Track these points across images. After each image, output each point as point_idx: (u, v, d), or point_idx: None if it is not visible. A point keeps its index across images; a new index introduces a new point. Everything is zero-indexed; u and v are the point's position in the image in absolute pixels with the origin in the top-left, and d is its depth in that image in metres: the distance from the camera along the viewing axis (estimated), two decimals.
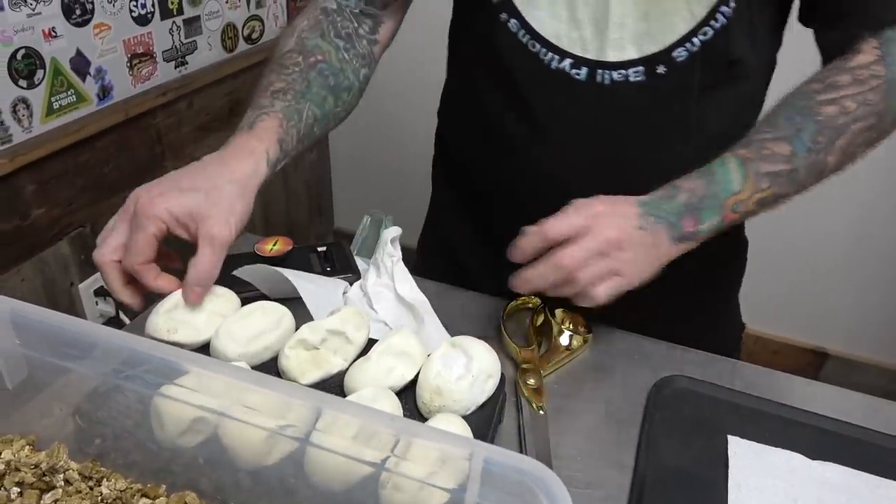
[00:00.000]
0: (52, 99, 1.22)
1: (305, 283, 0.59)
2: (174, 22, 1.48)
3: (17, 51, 1.14)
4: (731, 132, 0.61)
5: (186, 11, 1.51)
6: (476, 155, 0.72)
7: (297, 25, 0.69)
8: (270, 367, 0.51)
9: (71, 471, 0.44)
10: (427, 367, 0.50)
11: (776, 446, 0.53)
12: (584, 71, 0.61)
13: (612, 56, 0.61)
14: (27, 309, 0.43)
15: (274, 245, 0.68)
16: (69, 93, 1.26)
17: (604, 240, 0.53)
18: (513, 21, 0.62)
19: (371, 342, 0.53)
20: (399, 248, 0.66)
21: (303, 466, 0.42)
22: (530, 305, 0.65)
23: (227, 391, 0.42)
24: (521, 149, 0.67)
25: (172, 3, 1.46)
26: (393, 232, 0.66)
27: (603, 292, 0.53)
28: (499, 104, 0.67)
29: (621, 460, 0.51)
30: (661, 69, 0.61)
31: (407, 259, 0.66)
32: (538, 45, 0.62)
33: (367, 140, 2.15)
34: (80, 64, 1.27)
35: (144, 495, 0.43)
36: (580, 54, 0.61)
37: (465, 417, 0.48)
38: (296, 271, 0.60)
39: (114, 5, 1.31)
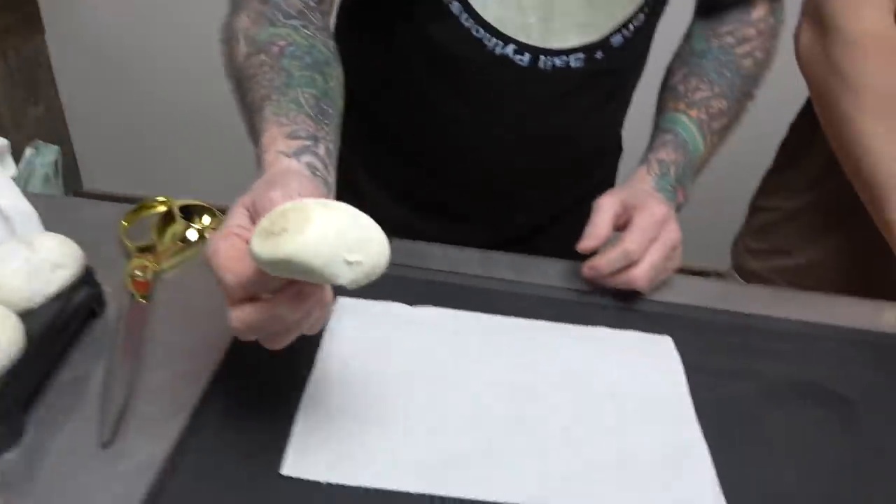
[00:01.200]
0: None
1: None
2: None
3: None
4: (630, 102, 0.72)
5: None
6: (406, 128, 0.72)
7: (237, 28, 0.56)
8: None
9: None
10: None
11: (382, 300, 0.58)
12: (527, 57, 0.63)
13: (556, 44, 0.62)
14: None
15: None
16: None
17: (670, 241, 0.58)
18: (455, 4, 0.60)
19: None
20: (11, 162, 0.61)
21: None
22: (159, 208, 0.64)
23: None
24: (458, 128, 0.68)
25: None
26: None
27: (668, 270, 0.60)
28: (435, 85, 0.67)
29: (222, 334, 0.52)
30: (599, 55, 0.64)
31: None
32: (482, 31, 0.62)
33: (106, 97, 1.99)
34: None
35: None
36: (524, 41, 0.62)
37: (34, 310, 0.46)
38: None
39: None
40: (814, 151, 0.83)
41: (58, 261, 0.48)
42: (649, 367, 0.55)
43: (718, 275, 1.07)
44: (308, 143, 0.47)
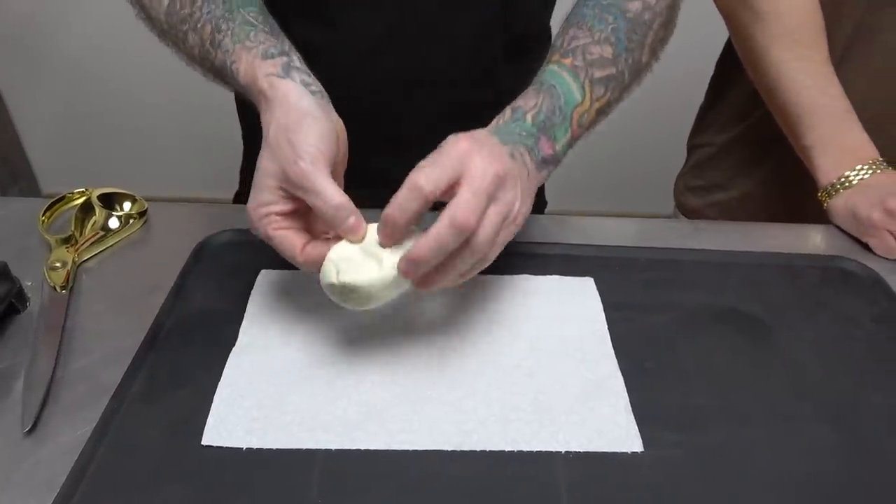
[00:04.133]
0: None
1: None
2: None
3: None
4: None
5: None
6: None
7: None
8: None
9: None
10: None
11: None
12: None
13: None
14: None
15: None
16: None
17: (490, 179, 0.43)
18: None
19: None
20: None
21: None
22: (78, 200, 0.64)
23: None
24: (327, 59, 0.63)
25: None
26: None
27: (499, 249, 0.46)
28: (295, 18, 0.63)
29: (146, 317, 0.53)
30: None
31: None
32: None
33: (52, 100, 1.96)
34: None
35: None
36: None
37: None
38: None
39: None
40: (739, 83, 0.84)
41: None
42: (569, 308, 0.56)
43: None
44: (285, 58, 0.49)
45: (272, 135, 0.46)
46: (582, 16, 0.56)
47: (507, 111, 0.51)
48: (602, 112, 0.54)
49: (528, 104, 0.51)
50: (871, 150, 0.68)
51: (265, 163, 0.46)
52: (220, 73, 0.52)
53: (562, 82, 0.52)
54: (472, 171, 0.43)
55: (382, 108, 0.69)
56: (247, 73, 0.49)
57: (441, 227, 0.42)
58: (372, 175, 0.75)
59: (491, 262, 0.46)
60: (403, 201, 0.43)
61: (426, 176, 0.43)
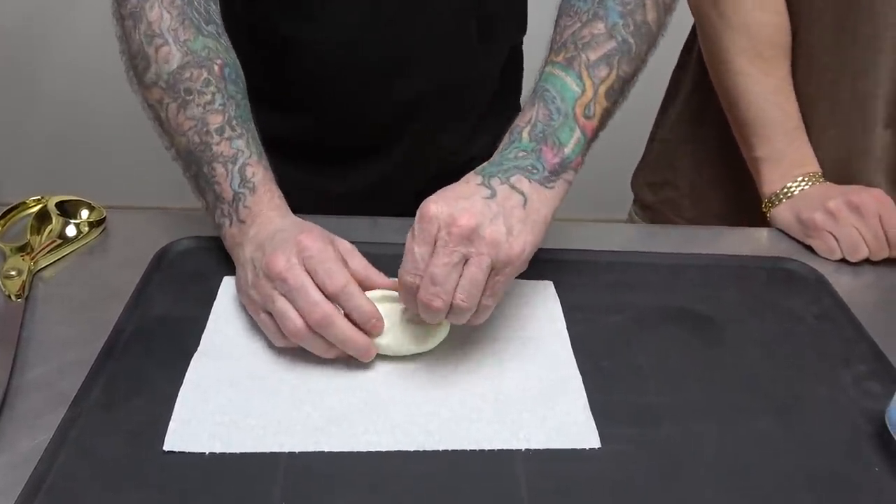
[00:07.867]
0: None
1: None
2: None
3: None
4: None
5: None
6: (257, 67, 0.68)
7: (159, 26, 0.55)
8: None
9: None
10: None
11: None
12: None
13: None
14: None
15: None
16: None
17: (456, 237, 0.45)
18: None
19: None
20: None
21: None
22: (34, 208, 0.63)
23: None
24: (311, 52, 0.68)
25: None
26: None
27: (493, 300, 0.47)
28: (273, 13, 0.67)
29: (105, 325, 0.52)
30: None
31: None
32: None
33: (11, 102, 1.91)
34: None
35: None
36: None
37: None
38: None
39: None
40: (696, 87, 0.87)
41: None
42: (530, 311, 0.57)
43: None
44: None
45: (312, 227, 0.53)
46: (566, 4, 0.55)
47: (506, 136, 0.52)
48: (615, 91, 0.53)
49: (522, 120, 0.51)
50: (814, 166, 0.72)
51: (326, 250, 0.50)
52: (210, 156, 0.54)
53: (554, 81, 0.51)
54: (439, 237, 0.45)
55: (367, 94, 0.71)
56: (263, 181, 0.54)
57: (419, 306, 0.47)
58: (362, 162, 0.76)
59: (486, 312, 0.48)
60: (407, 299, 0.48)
61: (408, 272, 0.46)
